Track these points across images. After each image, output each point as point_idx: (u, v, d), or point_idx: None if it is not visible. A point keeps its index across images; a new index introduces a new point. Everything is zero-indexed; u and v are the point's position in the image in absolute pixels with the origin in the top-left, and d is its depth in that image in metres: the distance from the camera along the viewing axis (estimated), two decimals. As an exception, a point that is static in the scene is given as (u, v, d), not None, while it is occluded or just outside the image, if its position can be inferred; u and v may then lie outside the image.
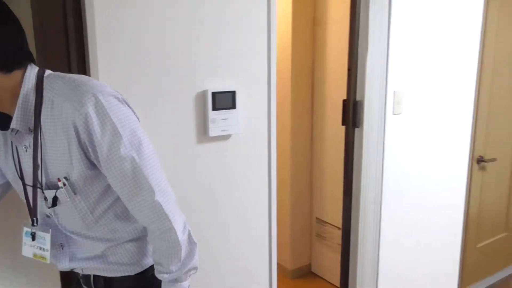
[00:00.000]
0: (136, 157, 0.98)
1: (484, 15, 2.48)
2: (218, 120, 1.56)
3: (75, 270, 1.16)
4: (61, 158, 0.98)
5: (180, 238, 1.06)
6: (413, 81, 2.22)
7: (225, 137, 1.60)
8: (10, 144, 1.06)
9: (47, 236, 1.07)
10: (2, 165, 1.11)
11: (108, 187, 1.05)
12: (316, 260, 3.24)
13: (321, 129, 2.97)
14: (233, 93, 1.57)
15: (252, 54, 1.62)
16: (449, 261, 2.70)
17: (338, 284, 2.53)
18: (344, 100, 2.12)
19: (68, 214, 1.05)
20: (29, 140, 1.00)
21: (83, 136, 0.94)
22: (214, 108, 1.54)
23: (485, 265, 2.98)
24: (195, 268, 1.13)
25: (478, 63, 2.53)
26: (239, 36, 1.57)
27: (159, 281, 1.12)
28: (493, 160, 2.75)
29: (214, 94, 1.53)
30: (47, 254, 1.07)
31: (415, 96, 2.25)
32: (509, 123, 2.87)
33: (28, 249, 1.10)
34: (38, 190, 1.02)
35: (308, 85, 2.97)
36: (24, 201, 1.07)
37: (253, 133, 1.68)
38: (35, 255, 1.09)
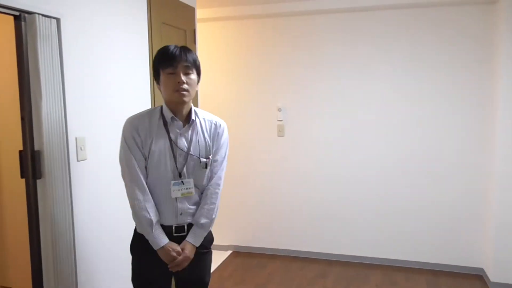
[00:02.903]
0: None
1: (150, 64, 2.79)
2: None
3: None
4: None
5: None
6: (94, 127, 2.26)
7: None
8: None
9: (192, 181, 1.86)
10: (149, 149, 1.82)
11: None
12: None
13: (-4, 183, 2.60)
14: None
15: None
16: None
17: None
18: (20, 151, 1.94)
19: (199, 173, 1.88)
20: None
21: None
22: None
23: None
24: None
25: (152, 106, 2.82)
26: None
27: None
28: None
29: None
30: (192, 190, 1.85)
31: (98, 142, 2.29)
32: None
33: (176, 192, 1.83)
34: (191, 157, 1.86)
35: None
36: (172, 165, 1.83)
37: None
38: (183, 194, 1.83)
